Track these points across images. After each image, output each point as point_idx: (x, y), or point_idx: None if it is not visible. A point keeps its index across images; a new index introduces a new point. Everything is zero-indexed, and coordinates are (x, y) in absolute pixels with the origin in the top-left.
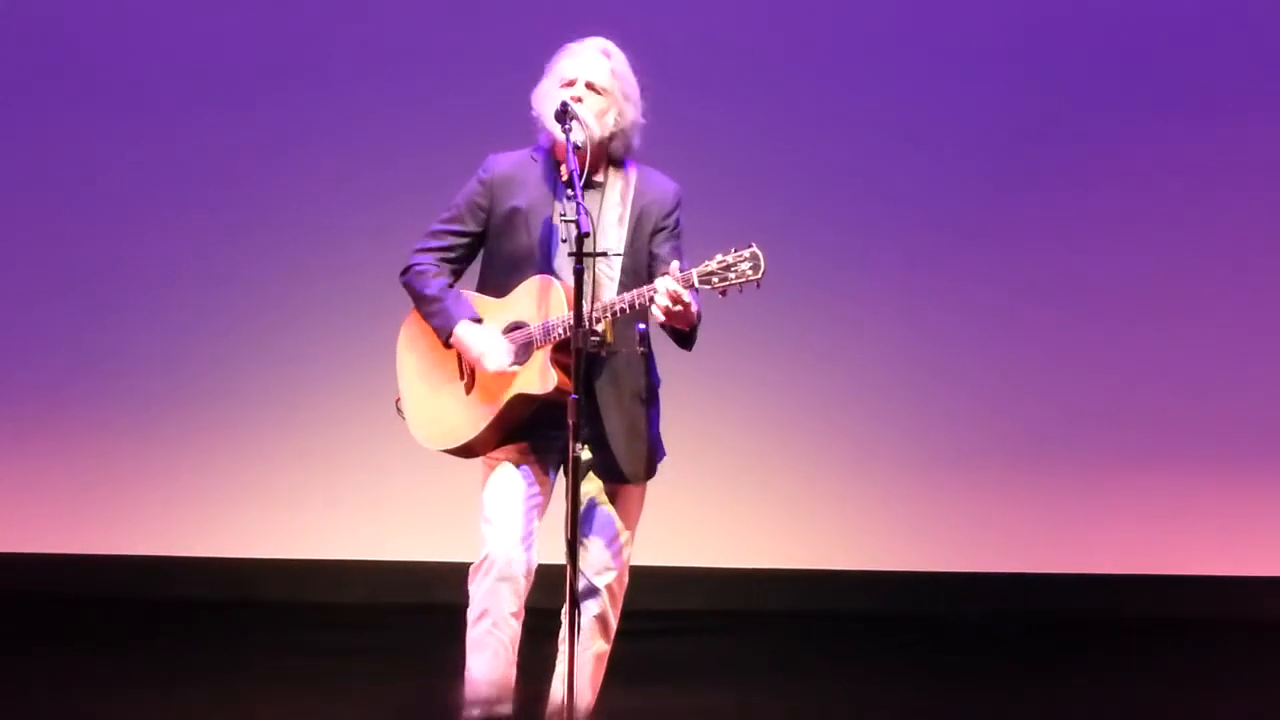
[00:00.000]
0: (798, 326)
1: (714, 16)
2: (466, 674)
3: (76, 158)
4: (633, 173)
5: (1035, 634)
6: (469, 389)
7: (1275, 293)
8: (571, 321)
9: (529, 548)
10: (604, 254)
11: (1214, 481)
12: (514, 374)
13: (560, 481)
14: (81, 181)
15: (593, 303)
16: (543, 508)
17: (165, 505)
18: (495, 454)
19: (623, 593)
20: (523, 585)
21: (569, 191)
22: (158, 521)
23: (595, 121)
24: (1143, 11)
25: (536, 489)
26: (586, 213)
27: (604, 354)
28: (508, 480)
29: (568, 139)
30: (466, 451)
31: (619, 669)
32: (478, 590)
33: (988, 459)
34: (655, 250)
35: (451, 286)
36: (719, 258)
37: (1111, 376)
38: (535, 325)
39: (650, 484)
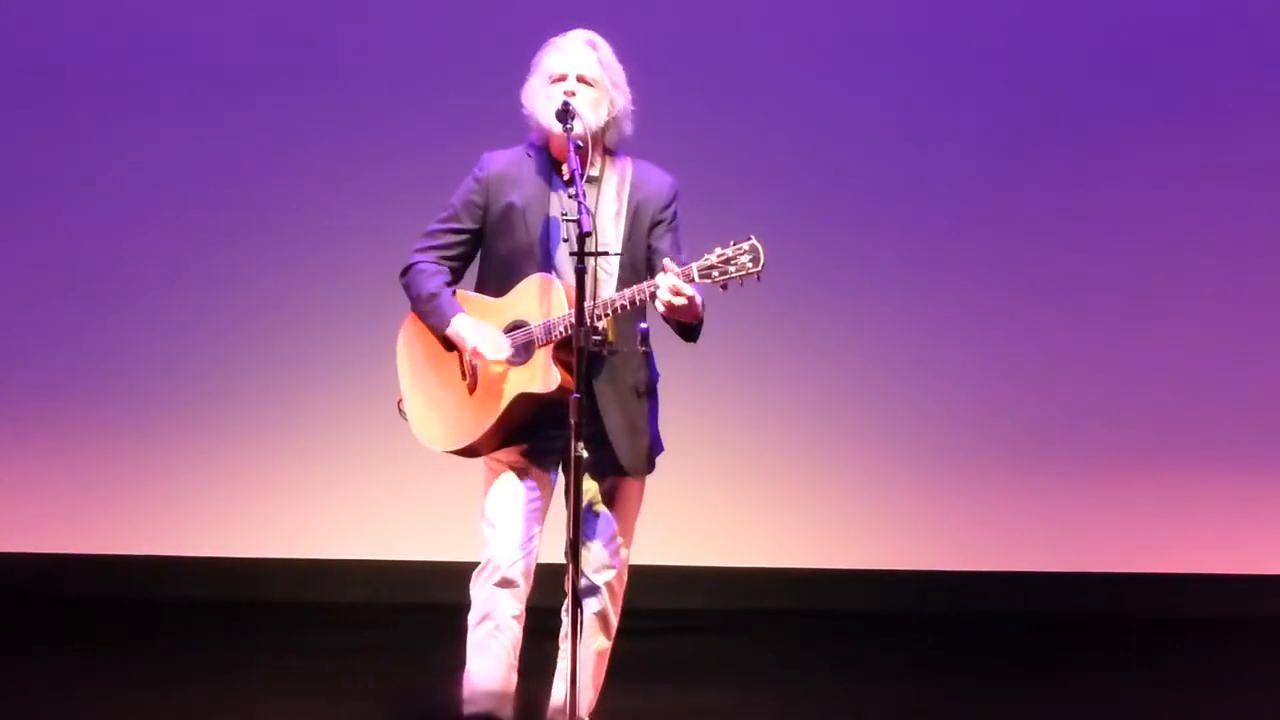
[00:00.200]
0: (797, 326)
1: (714, 15)
2: (466, 677)
3: (76, 158)
4: (628, 167)
5: (1035, 634)
6: (471, 389)
7: (1275, 292)
8: (572, 320)
9: (530, 552)
10: (604, 253)
11: (1214, 480)
12: (517, 374)
13: (560, 481)
14: (81, 181)
15: (593, 300)
16: (543, 511)
17: (165, 505)
18: (497, 456)
19: (623, 590)
20: (523, 589)
21: (570, 190)
22: (158, 521)
23: (591, 114)
24: (1143, 11)
25: (537, 493)
26: (588, 211)
27: (606, 352)
28: (509, 485)
29: (569, 137)
30: (470, 452)
31: (619, 669)
32: (479, 593)
33: (988, 458)
34: (654, 244)
35: (450, 285)
36: (718, 251)
37: (1112, 376)
38: (536, 324)
39: (650, 483)
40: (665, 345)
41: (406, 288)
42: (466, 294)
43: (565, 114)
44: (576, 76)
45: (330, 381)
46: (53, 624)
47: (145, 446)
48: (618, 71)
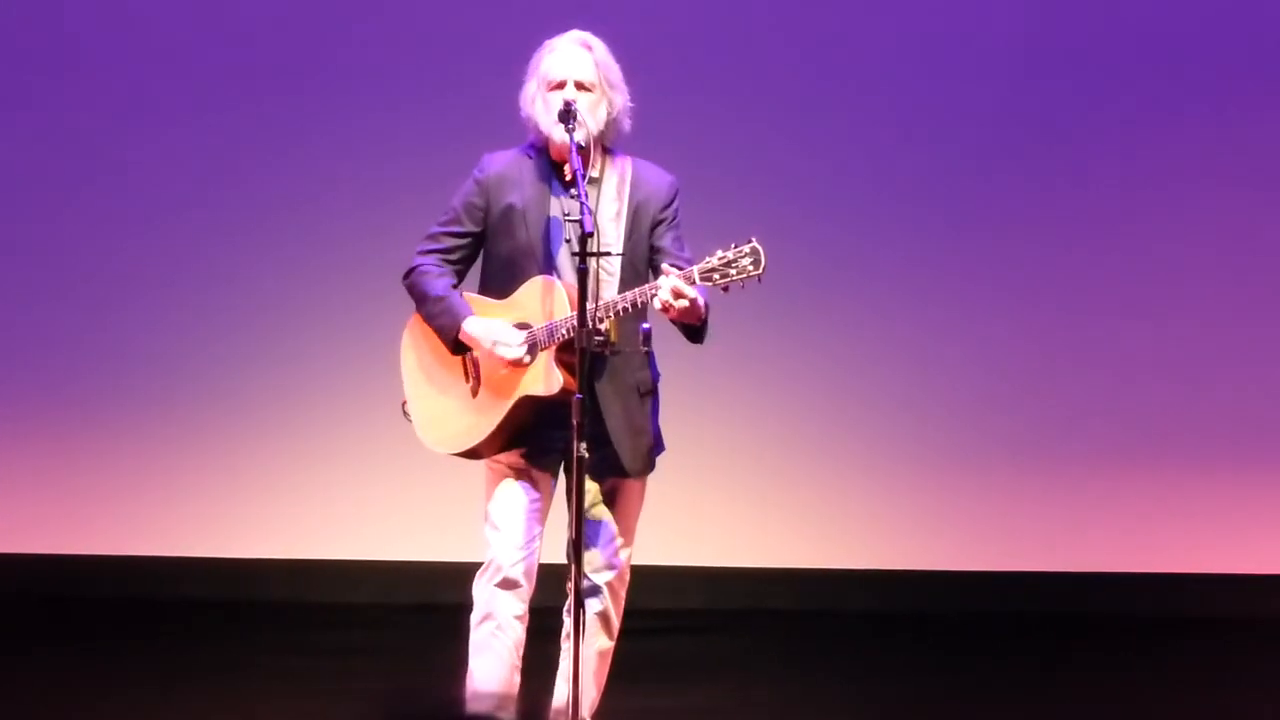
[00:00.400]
0: (797, 326)
1: (714, 14)
2: (468, 677)
3: (76, 158)
4: (627, 167)
5: (1035, 634)
6: (475, 391)
7: (1275, 292)
8: (575, 321)
9: (531, 552)
10: (606, 254)
11: (1214, 480)
12: (520, 375)
13: (562, 482)
14: (81, 181)
15: (596, 302)
16: (544, 512)
17: (165, 505)
18: (499, 458)
19: (624, 590)
20: (526, 588)
21: (572, 191)
22: (158, 521)
23: (591, 119)
24: (1143, 11)
25: (538, 495)
26: (590, 212)
27: (609, 353)
28: (511, 486)
29: (571, 140)
30: (473, 454)
31: (619, 668)
32: (481, 593)
33: (988, 458)
34: (656, 244)
35: (455, 287)
36: (719, 254)
37: (1112, 375)
38: (539, 326)
39: (650, 483)
40: (667, 345)
41: (411, 290)
42: (470, 296)
43: (568, 114)
44: (575, 82)
45: (330, 382)
46: (53, 624)
47: (145, 446)
48: (614, 70)
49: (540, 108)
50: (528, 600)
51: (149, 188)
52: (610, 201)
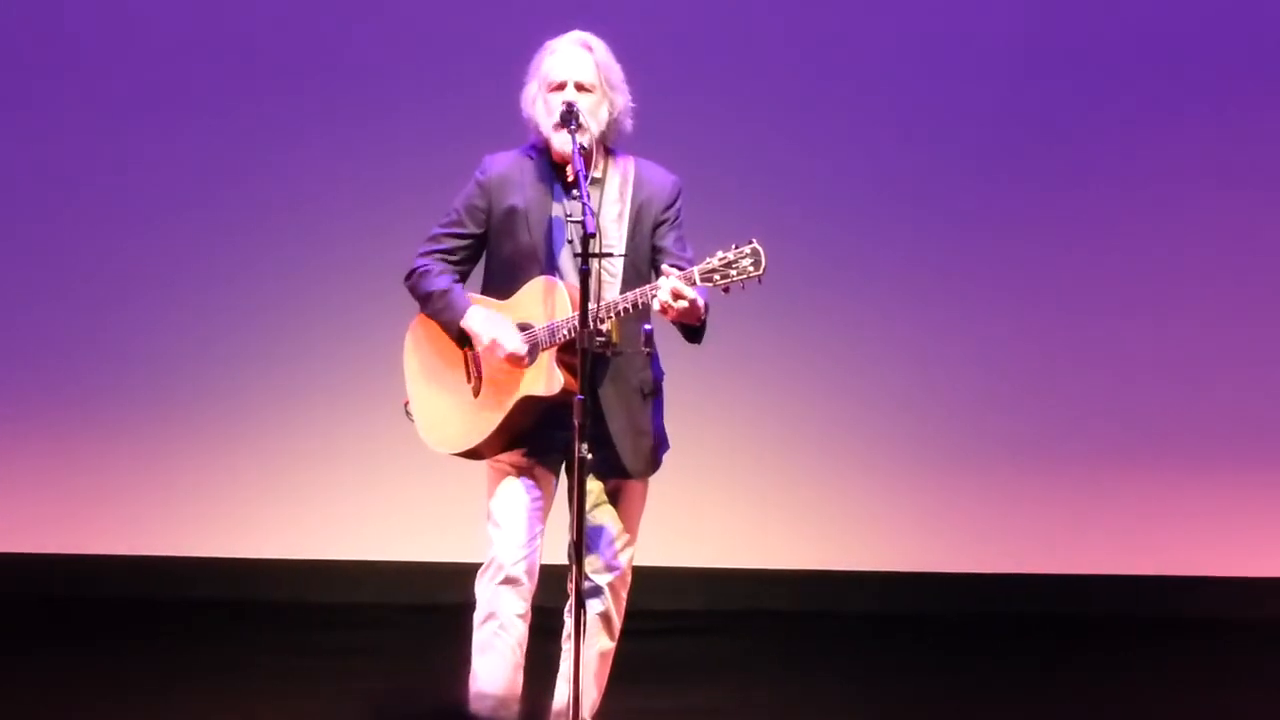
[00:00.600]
0: (797, 326)
1: (714, 14)
2: (471, 677)
3: (76, 158)
4: (630, 167)
5: (1035, 635)
6: (476, 392)
7: (1276, 292)
8: (576, 322)
9: (533, 550)
10: (609, 254)
11: (1214, 481)
12: (521, 376)
13: (564, 482)
14: (81, 181)
15: (598, 302)
16: (546, 510)
17: (165, 505)
18: (500, 458)
19: (626, 590)
20: (528, 586)
21: (574, 191)
22: (158, 521)
23: (592, 120)
24: (1143, 11)
25: (540, 493)
26: (593, 213)
27: (610, 354)
28: (513, 485)
29: (574, 140)
30: (474, 455)
31: (620, 669)
32: (484, 592)
33: (988, 458)
34: (658, 244)
35: (457, 284)
36: (720, 255)
37: (1111, 375)
38: (540, 327)
39: (652, 483)
40: (668, 346)
41: (413, 289)
42: (473, 296)
43: (570, 115)
44: (575, 84)
45: (331, 382)
46: (53, 624)
47: (145, 446)
48: (615, 71)
49: (541, 109)
50: (530, 598)
51: (149, 188)
52: (613, 202)
